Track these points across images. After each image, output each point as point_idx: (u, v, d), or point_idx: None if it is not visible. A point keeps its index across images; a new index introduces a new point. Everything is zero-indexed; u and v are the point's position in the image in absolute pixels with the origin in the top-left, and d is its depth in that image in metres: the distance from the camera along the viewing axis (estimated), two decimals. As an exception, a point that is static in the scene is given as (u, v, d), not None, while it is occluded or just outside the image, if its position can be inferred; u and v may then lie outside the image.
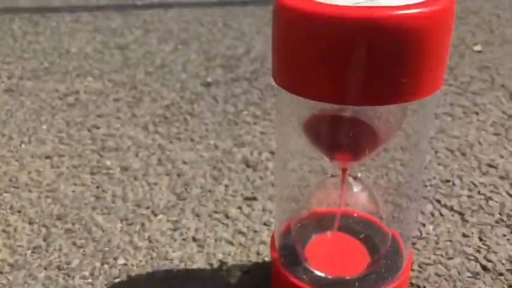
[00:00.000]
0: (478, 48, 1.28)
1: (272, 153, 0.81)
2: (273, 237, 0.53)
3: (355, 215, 0.52)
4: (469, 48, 1.28)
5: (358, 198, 0.49)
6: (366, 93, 0.35)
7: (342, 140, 0.44)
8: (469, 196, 0.71)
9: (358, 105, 0.38)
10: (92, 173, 0.77)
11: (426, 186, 0.73)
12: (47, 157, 0.81)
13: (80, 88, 1.07)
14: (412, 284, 0.56)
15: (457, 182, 0.74)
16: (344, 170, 0.47)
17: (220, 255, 0.61)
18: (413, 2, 0.34)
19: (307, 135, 0.45)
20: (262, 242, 0.62)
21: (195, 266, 0.59)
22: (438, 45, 0.35)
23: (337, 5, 0.34)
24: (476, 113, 0.95)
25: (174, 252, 0.61)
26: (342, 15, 0.32)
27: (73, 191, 0.73)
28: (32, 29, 1.45)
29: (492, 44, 1.32)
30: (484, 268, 0.58)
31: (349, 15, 0.32)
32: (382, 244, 0.50)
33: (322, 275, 0.48)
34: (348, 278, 0.48)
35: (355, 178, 0.49)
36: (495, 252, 0.61)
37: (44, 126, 0.91)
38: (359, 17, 0.32)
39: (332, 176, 0.50)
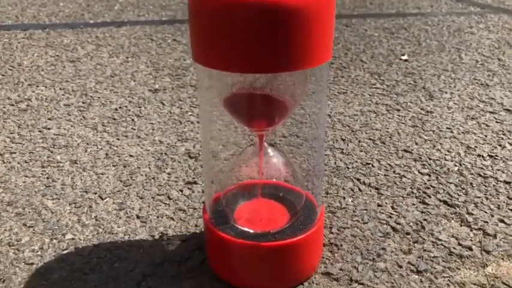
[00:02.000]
0: (404, 57, 1.41)
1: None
2: (204, 205, 0.60)
3: (275, 182, 0.60)
4: (397, 58, 1.41)
5: (274, 160, 0.57)
6: (266, 62, 0.43)
7: (256, 111, 0.52)
8: (385, 175, 0.80)
9: (259, 73, 0.46)
10: (43, 167, 0.82)
11: (348, 168, 0.82)
12: (-1, 154, 0.86)
13: (31, 96, 1.12)
14: (330, 244, 0.64)
15: (375, 164, 0.83)
16: (261, 137, 0.54)
17: (161, 229, 0.67)
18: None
19: (228, 109, 0.52)
20: (201, 217, 0.69)
21: (138, 238, 0.65)
22: (318, 25, 0.43)
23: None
24: (398, 110, 1.06)
25: (119, 227, 0.67)
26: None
27: (24, 182, 0.77)
28: (-17, 45, 1.48)
29: (418, 54, 1.45)
30: (394, 229, 0.67)
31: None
32: (298, 203, 0.57)
33: (248, 230, 0.55)
34: (270, 231, 0.55)
35: (271, 145, 0.57)
36: (404, 217, 0.69)
37: (-4, 129, 0.95)
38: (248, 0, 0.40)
39: (251, 145, 0.57)
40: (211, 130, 0.62)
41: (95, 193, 0.75)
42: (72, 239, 0.65)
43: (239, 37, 0.42)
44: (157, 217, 0.69)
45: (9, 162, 0.83)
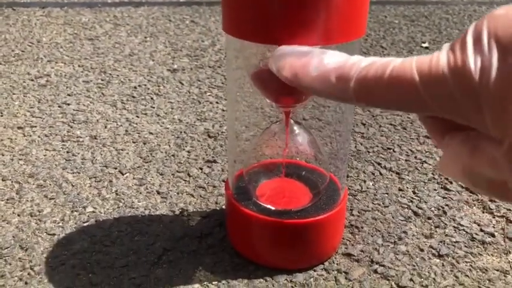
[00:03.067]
0: (425, 45, 1.39)
1: (232, 126, 0.88)
2: (227, 181, 0.59)
3: (299, 162, 0.60)
4: (418, 45, 1.39)
5: (300, 138, 0.56)
6: (298, 35, 0.42)
7: (284, 87, 0.51)
8: (406, 160, 0.79)
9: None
10: (63, 141, 0.82)
11: (369, 152, 0.81)
12: (19, 128, 0.86)
13: (50, 72, 1.12)
14: (351, 226, 0.64)
15: (396, 149, 0.83)
16: (287, 113, 0.54)
17: (181, 205, 0.67)
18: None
19: (256, 84, 0.52)
20: (221, 195, 0.69)
21: (158, 213, 0.65)
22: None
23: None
24: (419, 96, 1.04)
25: (139, 202, 0.67)
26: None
27: (44, 155, 0.78)
28: (2, 21, 1.48)
29: (439, 42, 1.43)
30: (415, 213, 0.66)
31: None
32: (321, 183, 0.57)
33: (270, 207, 0.55)
34: (292, 209, 0.55)
35: (297, 122, 0.56)
36: (426, 202, 0.69)
37: (16, 103, 0.96)
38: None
39: (277, 121, 0.57)
40: (236, 111, 0.62)
41: (115, 168, 0.75)
42: (93, 212, 0.65)
43: (271, 7, 0.41)
44: (178, 193, 0.69)
45: (30, 136, 0.83)
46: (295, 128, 0.56)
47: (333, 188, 0.58)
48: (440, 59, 0.23)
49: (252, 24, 0.43)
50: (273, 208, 0.55)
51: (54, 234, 0.60)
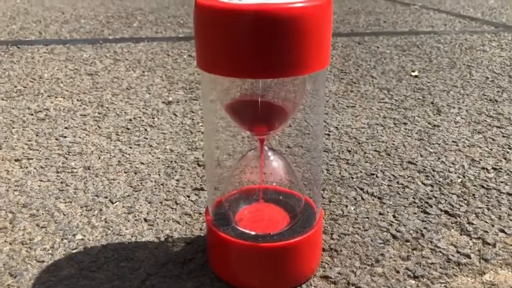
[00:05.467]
0: (415, 73, 1.42)
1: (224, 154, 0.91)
2: (207, 208, 0.62)
3: (275, 187, 0.62)
4: (408, 74, 1.43)
5: (274, 164, 0.59)
6: (263, 68, 0.46)
7: (256, 117, 0.55)
8: (388, 185, 0.82)
9: (258, 79, 0.48)
10: (58, 172, 0.85)
11: (352, 178, 0.84)
12: (16, 160, 0.90)
13: (50, 106, 1.16)
14: (331, 249, 0.66)
15: (379, 174, 0.85)
16: (261, 141, 0.57)
17: (167, 231, 0.69)
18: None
19: (229, 115, 0.55)
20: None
21: (144, 240, 0.67)
22: (315, 32, 0.46)
23: (236, 3, 0.45)
24: (405, 124, 1.07)
25: (126, 229, 0.70)
26: (240, 9, 0.44)
27: (39, 186, 0.81)
28: (7, 59, 1.55)
29: (429, 70, 1.47)
30: (394, 236, 0.68)
31: (243, 9, 0.43)
32: (297, 206, 0.59)
33: (249, 231, 0.57)
34: (270, 233, 0.57)
35: (272, 149, 0.59)
36: (405, 225, 0.71)
37: (15, 136, 0.99)
38: (248, 9, 0.43)
39: (252, 149, 0.60)
40: (217, 140, 0.65)
41: (106, 197, 0.77)
42: (82, 239, 0.67)
43: (236, 45, 0.45)
44: (164, 221, 0.72)
45: (26, 168, 0.87)
46: (270, 154, 0.58)
47: (309, 211, 0.61)
48: None
49: (219, 61, 0.46)
50: (252, 233, 0.57)
51: (43, 261, 0.63)
